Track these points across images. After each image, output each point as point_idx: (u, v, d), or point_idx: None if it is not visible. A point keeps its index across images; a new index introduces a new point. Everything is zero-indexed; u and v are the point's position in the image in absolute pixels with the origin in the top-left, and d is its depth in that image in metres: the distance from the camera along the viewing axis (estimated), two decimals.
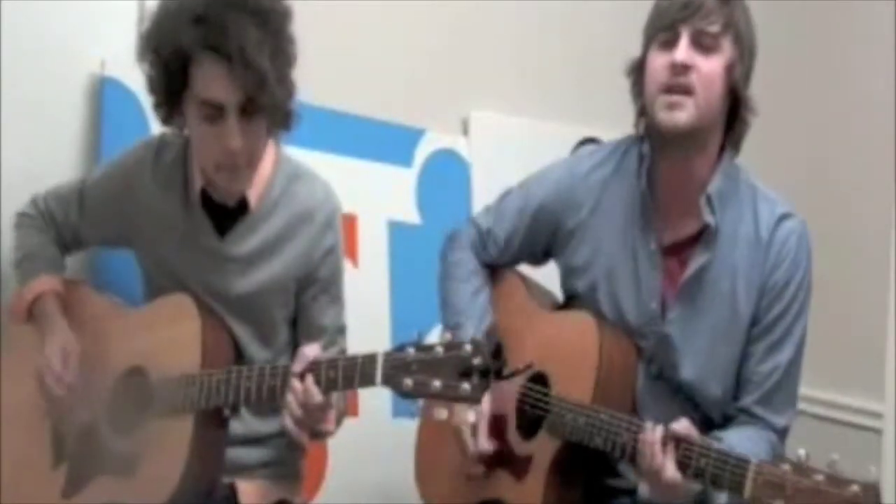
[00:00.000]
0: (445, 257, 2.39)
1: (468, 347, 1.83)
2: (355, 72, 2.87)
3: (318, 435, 2.07)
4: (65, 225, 2.30)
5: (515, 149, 3.07)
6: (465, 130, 3.12)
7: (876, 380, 3.25)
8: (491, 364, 1.83)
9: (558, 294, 2.36)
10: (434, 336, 2.72)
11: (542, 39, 3.23)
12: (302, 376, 1.95)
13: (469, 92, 3.12)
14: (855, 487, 1.71)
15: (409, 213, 2.98)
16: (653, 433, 1.94)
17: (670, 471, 1.91)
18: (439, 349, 1.84)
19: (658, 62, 2.09)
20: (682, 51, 2.05)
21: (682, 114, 2.06)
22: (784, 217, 2.15)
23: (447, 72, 3.07)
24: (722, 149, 2.15)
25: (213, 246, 2.16)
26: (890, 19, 3.25)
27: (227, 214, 2.16)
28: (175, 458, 2.01)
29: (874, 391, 3.26)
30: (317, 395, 1.94)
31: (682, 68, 2.05)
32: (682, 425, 1.95)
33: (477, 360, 1.82)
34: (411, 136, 3.01)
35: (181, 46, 1.98)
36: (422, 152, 3.02)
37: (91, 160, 2.53)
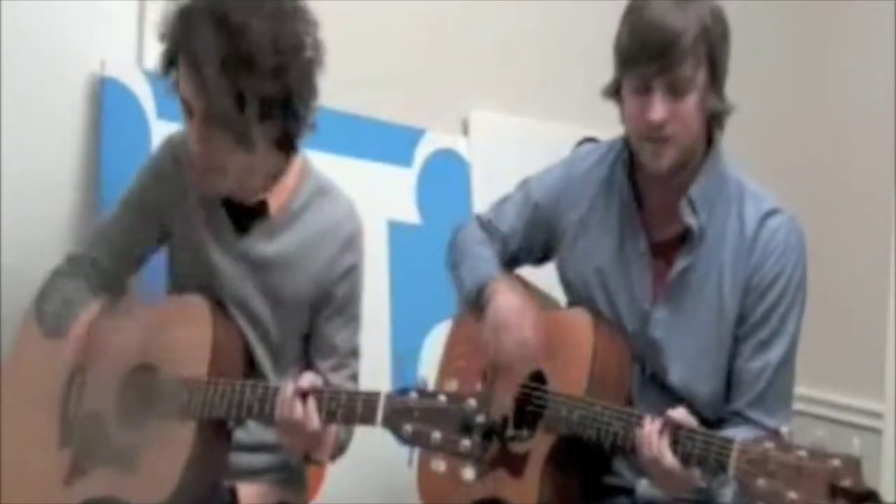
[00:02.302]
0: (453, 241, 2.37)
1: (472, 402, 1.81)
2: (355, 72, 2.87)
3: (310, 458, 2.07)
4: (108, 260, 2.23)
5: (515, 149, 3.07)
6: (465, 130, 3.12)
7: (876, 380, 3.25)
8: (495, 425, 1.81)
9: (557, 296, 2.36)
10: (435, 336, 2.73)
11: (543, 39, 3.23)
12: (304, 397, 1.94)
13: (469, 92, 3.12)
14: (836, 461, 1.73)
15: (409, 213, 2.98)
16: (651, 424, 1.94)
17: (668, 458, 1.91)
18: (443, 398, 1.82)
19: (633, 107, 2.04)
20: (657, 109, 2.00)
21: (664, 159, 2.05)
22: (770, 213, 2.11)
23: (447, 72, 3.07)
24: (708, 145, 2.13)
25: (232, 244, 2.15)
26: (890, 19, 3.26)
27: (246, 215, 2.15)
28: (175, 461, 2.01)
29: (874, 391, 3.26)
30: (315, 422, 1.94)
31: (660, 124, 2.01)
32: (680, 413, 1.95)
33: (480, 418, 1.80)
34: (411, 136, 3.01)
35: (167, 39, 2.03)
36: (422, 152, 3.02)
37: (91, 160, 2.53)
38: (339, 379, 2.19)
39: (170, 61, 2.05)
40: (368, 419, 1.89)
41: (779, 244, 2.10)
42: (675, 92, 2.00)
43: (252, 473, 2.20)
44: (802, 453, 1.75)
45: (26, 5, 2.43)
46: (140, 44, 2.58)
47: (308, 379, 1.98)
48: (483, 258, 2.28)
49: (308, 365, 2.20)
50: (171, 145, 2.21)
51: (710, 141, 2.14)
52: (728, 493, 2.01)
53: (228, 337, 2.11)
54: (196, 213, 2.16)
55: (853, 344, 3.34)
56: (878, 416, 3.24)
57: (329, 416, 1.94)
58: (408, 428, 1.83)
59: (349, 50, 2.84)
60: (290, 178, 2.16)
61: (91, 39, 2.54)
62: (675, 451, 1.90)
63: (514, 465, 2.17)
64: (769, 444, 1.79)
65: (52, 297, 2.20)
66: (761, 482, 1.77)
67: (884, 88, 3.26)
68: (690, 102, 2.02)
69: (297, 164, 2.17)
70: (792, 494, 1.73)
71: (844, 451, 1.74)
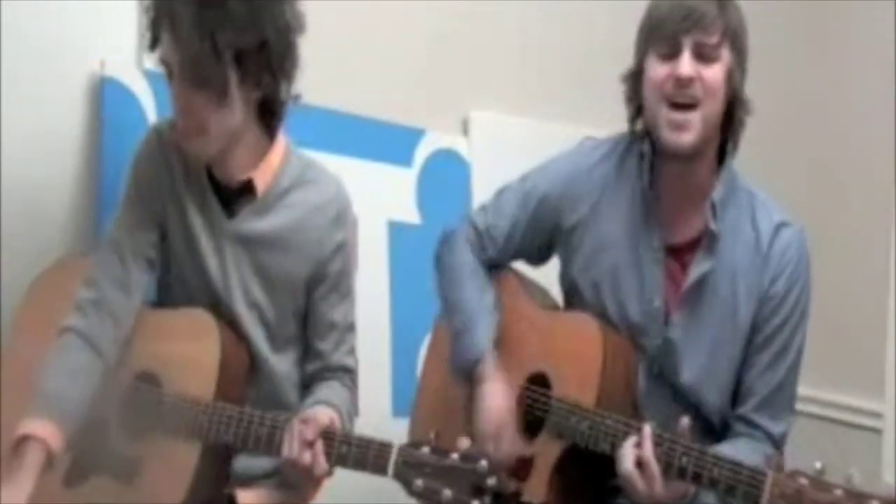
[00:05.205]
0: (442, 258, 2.37)
1: (484, 464, 1.82)
2: (355, 72, 2.87)
3: None
4: (119, 288, 2.16)
5: (515, 149, 3.06)
6: (465, 130, 3.12)
7: (876, 380, 3.25)
8: (506, 489, 1.83)
9: (554, 293, 2.35)
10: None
11: (543, 39, 3.23)
12: (312, 443, 1.96)
13: (469, 92, 3.12)
14: (875, 502, 1.70)
15: (409, 213, 2.98)
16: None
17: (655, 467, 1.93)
18: (455, 457, 1.84)
19: (659, 73, 2.08)
20: (686, 64, 2.05)
21: (688, 135, 2.07)
22: (782, 225, 2.15)
23: (447, 72, 3.07)
24: (722, 153, 2.15)
25: (222, 226, 2.16)
26: (890, 19, 3.26)
27: (233, 196, 2.16)
28: (178, 482, 2.02)
29: (874, 391, 3.27)
30: (323, 467, 1.97)
31: (688, 81, 2.05)
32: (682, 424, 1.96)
33: (492, 481, 1.81)
34: (411, 136, 3.01)
35: (151, 10, 2.07)
36: (422, 152, 3.02)
37: (91, 160, 2.53)
38: (340, 356, 2.22)
39: (156, 38, 2.07)
40: (379, 469, 1.92)
41: (792, 258, 2.14)
42: (703, 57, 2.06)
43: (250, 479, 2.20)
44: (839, 492, 1.72)
45: (26, 5, 2.43)
46: (140, 44, 2.58)
47: (318, 422, 1.99)
48: (476, 310, 2.26)
49: (307, 347, 2.22)
50: (157, 132, 2.21)
51: (723, 147, 2.15)
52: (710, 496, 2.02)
53: (235, 356, 2.12)
54: (186, 198, 2.17)
55: (853, 344, 3.34)
56: (878, 416, 3.24)
57: (339, 460, 1.96)
58: (419, 483, 1.85)
59: (349, 50, 2.86)
60: (274, 159, 2.17)
61: (91, 39, 2.54)
62: (699, 477, 1.89)
63: (519, 469, 2.15)
64: (804, 480, 1.75)
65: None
66: None
67: (884, 88, 3.26)
68: (717, 71, 2.07)
69: (280, 145, 2.19)
70: None
71: (882, 491, 1.72)
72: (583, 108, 3.17)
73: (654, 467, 1.93)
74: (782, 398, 2.14)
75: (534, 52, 3.22)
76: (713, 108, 2.07)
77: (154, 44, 2.08)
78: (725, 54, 2.08)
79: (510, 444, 2.15)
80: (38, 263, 2.33)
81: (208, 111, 2.05)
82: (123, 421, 2.10)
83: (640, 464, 1.94)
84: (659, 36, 2.09)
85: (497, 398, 2.18)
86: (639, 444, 1.95)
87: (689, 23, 2.05)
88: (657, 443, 1.94)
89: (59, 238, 2.52)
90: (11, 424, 2.06)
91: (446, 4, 3.03)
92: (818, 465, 1.76)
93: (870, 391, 3.29)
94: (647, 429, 1.95)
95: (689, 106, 2.06)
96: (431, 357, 2.46)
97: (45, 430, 2.01)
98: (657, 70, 2.09)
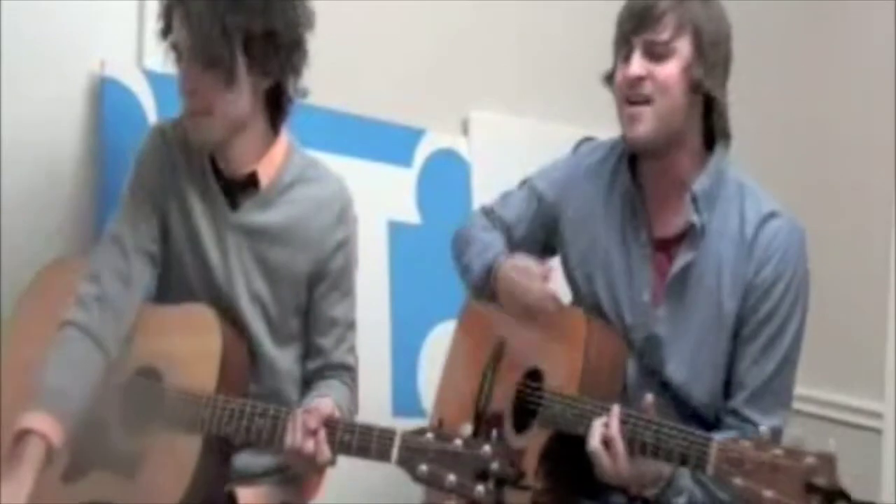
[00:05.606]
0: (456, 237, 2.40)
1: (487, 449, 1.83)
2: (355, 72, 2.87)
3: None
4: (124, 282, 2.17)
5: (515, 149, 3.07)
6: (465, 130, 3.13)
7: (876, 380, 3.25)
8: (509, 474, 1.83)
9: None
10: (435, 336, 2.73)
11: (543, 39, 3.23)
12: (315, 432, 1.97)
13: (469, 92, 3.12)
14: (811, 459, 1.74)
15: (409, 213, 2.98)
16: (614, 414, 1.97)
17: (620, 446, 1.95)
18: (458, 442, 1.85)
19: (618, 76, 2.14)
20: (635, 65, 2.09)
21: (641, 126, 2.10)
22: (770, 215, 2.14)
23: (447, 72, 3.08)
24: (710, 144, 2.16)
25: (226, 217, 2.17)
26: (890, 19, 3.26)
27: (237, 189, 2.18)
28: (178, 477, 2.02)
29: (874, 391, 3.26)
30: (326, 455, 1.97)
31: (637, 80, 2.08)
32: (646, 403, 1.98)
33: (495, 465, 1.82)
34: (411, 136, 3.01)
35: None
36: (422, 152, 3.02)
37: (91, 160, 2.53)
38: (340, 353, 2.24)
39: (168, 24, 2.11)
40: (383, 456, 1.92)
41: (779, 247, 2.12)
42: (654, 55, 2.09)
43: (251, 476, 2.21)
44: (778, 451, 1.77)
45: (26, 5, 2.43)
46: (140, 44, 2.59)
47: (321, 411, 2.00)
48: (489, 242, 2.31)
49: (308, 344, 2.24)
50: (160, 130, 2.23)
51: (710, 139, 2.16)
52: (682, 497, 2.04)
53: (237, 352, 2.13)
54: (189, 192, 2.18)
55: (853, 344, 3.34)
56: (878, 416, 3.24)
57: (342, 448, 1.96)
58: (423, 468, 1.86)
59: (349, 50, 2.86)
60: (277, 154, 2.20)
61: (91, 39, 2.54)
62: (658, 449, 1.92)
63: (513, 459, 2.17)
64: (746, 443, 1.80)
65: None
66: (738, 481, 1.78)
67: (884, 88, 3.26)
68: (671, 68, 2.09)
69: (283, 142, 2.21)
70: (768, 493, 1.75)
71: (819, 450, 1.76)
72: (583, 109, 3.16)
73: (619, 444, 1.95)
74: (773, 392, 2.12)
75: (533, 53, 3.22)
76: (667, 103, 2.09)
77: (166, 31, 2.11)
78: (682, 49, 2.09)
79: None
80: (38, 262, 2.33)
81: (216, 92, 2.08)
82: (124, 416, 2.11)
83: (605, 441, 1.96)
84: (618, 39, 2.14)
85: (522, 259, 2.20)
86: (607, 424, 1.97)
87: (637, 21, 2.09)
88: (623, 421, 1.96)
89: (59, 238, 2.52)
90: (11, 422, 2.06)
91: (447, 5, 3.03)
92: (832, 441, 1.80)
93: (870, 391, 3.28)
94: (616, 408, 1.98)
95: (641, 102, 2.09)
96: (452, 357, 2.47)
97: (45, 424, 2.00)
98: (618, 73, 2.14)
